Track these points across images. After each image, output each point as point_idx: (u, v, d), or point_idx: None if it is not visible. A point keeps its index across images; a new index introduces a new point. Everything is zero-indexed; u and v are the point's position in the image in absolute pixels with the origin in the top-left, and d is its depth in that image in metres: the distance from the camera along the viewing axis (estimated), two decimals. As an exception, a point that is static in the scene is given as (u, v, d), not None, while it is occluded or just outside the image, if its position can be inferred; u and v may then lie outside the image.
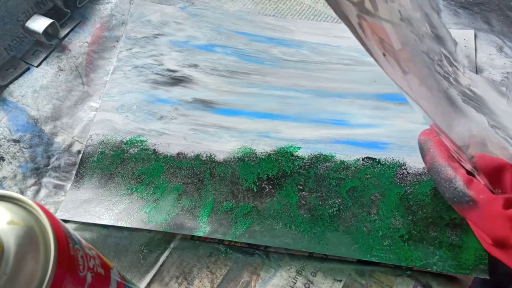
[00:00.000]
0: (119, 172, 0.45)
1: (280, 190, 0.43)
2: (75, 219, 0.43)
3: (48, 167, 0.46)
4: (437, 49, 0.34)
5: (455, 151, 0.29)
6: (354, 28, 0.25)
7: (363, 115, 0.47)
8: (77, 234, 0.28)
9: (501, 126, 0.33)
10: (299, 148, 0.46)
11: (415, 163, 0.44)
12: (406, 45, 0.31)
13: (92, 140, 0.47)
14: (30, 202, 0.25)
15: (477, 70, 0.49)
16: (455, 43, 0.35)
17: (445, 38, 0.35)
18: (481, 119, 0.34)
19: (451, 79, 0.34)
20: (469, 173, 0.31)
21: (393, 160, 0.44)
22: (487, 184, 0.29)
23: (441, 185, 0.31)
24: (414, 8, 0.32)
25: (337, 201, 0.42)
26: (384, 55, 0.27)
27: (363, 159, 0.45)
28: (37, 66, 0.52)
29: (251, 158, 0.45)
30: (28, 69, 0.52)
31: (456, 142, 0.30)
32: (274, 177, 0.44)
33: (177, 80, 0.51)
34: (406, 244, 0.40)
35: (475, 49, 0.50)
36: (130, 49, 0.53)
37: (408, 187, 0.43)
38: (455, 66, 0.35)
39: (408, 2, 0.32)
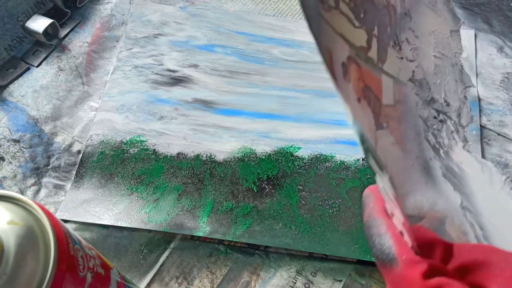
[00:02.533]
0: (119, 172, 0.45)
1: (280, 190, 0.43)
2: (75, 219, 0.43)
3: (48, 167, 0.46)
4: (443, 118, 0.32)
5: (390, 209, 0.28)
6: (330, 63, 0.23)
7: (363, 115, 0.47)
8: (77, 234, 0.28)
9: (474, 210, 0.32)
10: (299, 148, 0.46)
11: (415, 163, 0.44)
12: (400, 103, 0.30)
13: (92, 140, 0.47)
14: (30, 202, 0.25)
15: (477, 70, 0.49)
16: (470, 122, 0.34)
17: (461, 113, 0.34)
18: (454, 198, 0.33)
19: (441, 152, 0.33)
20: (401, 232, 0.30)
21: (393, 160, 0.44)
22: (414, 247, 0.28)
23: (371, 239, 0.30)
24: (437, 73, 0.31)
25: (337, 201, 0.42)
26: (359, 100, 0.26)
27: (363, 159, 0.45)
28: (37, 66, 0.52)
29: (251, 158, 0.45)
30: (28, 69, 0.52)
31: (407, 209, 0.29)
32: (274, 177, 0.44)
33: (177, 80, 0.51)
34: (406, 244, 0.40)
35: (475, 49, 0.50)
36: (130, 49, 0.53)
37: (408, 187, 0.43)
38: (455, 141, 0.34)
39: (432, 65, 0.30)
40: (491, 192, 0.35)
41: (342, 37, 0.24)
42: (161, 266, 0.41)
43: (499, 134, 0.45)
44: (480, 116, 0.46)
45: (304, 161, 0.45)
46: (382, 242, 0.28)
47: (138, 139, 0.47)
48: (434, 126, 0.32)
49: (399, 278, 0.27)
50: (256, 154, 0.46)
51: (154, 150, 0.46)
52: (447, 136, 0.33)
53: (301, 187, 0.43)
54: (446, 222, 0.30)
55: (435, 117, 0.32)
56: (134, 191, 0.44)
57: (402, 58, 0.28)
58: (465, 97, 0.33)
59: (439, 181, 0.33)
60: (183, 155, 0.46)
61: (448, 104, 0.32)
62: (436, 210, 0.30)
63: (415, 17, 0.28)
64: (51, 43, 0.53)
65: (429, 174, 0.33)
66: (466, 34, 0.51)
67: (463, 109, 0.33)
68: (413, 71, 0.29)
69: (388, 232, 0.28)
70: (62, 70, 0.52)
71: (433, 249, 0.28)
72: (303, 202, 0.43)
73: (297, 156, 0.45)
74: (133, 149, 0.47)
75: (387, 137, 0.29)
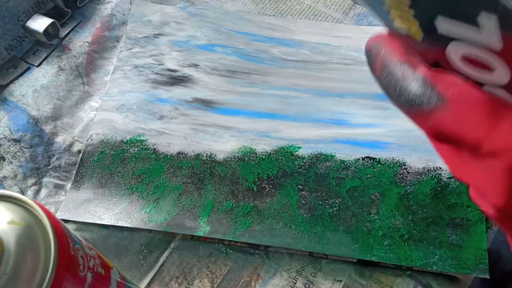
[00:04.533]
0: (119, 172, 0.45)
1: (280, 190, 0.43)
2: (75, 219, 0.43)
3: (49, 167, 0.46)
4: None
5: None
6: None
7: (363, 115, 0.47)
8: (77, 234, 0.28)
9: None
10: (299, 147, 0.46)
11: (415, 163, 0.44)
12: None
13: (92, 139, 0.47)
14: (30, 202, 0.25)
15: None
16: None
17: None
18: None
19: None
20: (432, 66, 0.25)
21: (393, 159, 0.44)
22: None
23: (394, 89, 0.25)
24: None
25: (337, 201, 0.42)
26: None
27: (363, 159, 0.45)
28: (37, 66, 0.52)
29: (251, 157, 0.45)
30: (28, 68, 0.52)
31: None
32: (274, 177, 0.44)
33: (177, 80, 0.51)
34: (406, 243, 0.40)
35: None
36: (131, 49, 0.53)
37: (408, 187, 0.43)
38: None
39: None
40: None
41: None
42: (161, 266, 0.41)
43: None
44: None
45: (304, 160, 0.45)
46: (412, 84, 0.24)
47: (138, 138, 0.47)
48: None
49: (448, 115, 0.23)
50: (256, 154, 0.46)
51: (154, 149, 0.46)
52: None
53: (301, 187, 0.43)
54: None
55: None
56: (134, 190, 0.44)
57: None
58: None
59: None
60: (183, 155, 0.46)
61: None
62: None
63: None
64: (51, 43, 0.53)
65: None
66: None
67: None
68: None
69: (417, 70, 0.24)
70: (62, 70, 0.52)
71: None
72: (303, 201, 0.43)
73: (297, 155, 0.45)
74: (133, 148, 0.47)
75: None
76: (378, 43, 0.27)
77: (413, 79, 0.24)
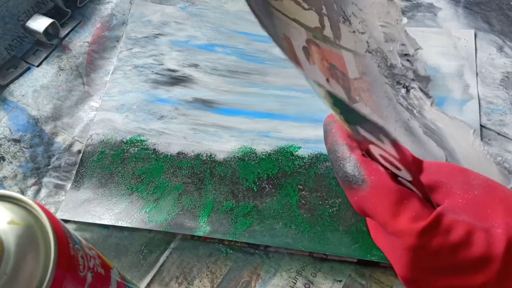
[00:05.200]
0: (119, 172, 0.45)
1: (280, 190, 0.43)
2: (75, 219, 0.43)
3: (49, 167, 0.46)
4: (406, 84, 0.34)
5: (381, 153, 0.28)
6: (292, 50, 0.24)
7: (363, 115, 0.47)
8: (77, 234, 0.28)
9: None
10: (299, 147, 0.46)
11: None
12: (365, 75, 0.31)
13: (92, 139, 0.47)
14: (30, 202, 0.25)
15: (477, 70, 0.49)
16: (428, 80, 0.36)
17: (419, 74, 0.35)
18: (439, 154, 0.34)
19: (414, 112, 0.35)
20: (364, 155, 0.30)
21: (393, 160, 0.44)
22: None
23: (336, 163, 0.31)
24: (388, 41, 0.32)
25: (337, 201, 0.42)
26: (328, 80, 0.27)
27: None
28: (37, 66, 0.52)
29: (251, 157, 0.45)
30: (28, 68, 0.52)
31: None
32: (274, 177, 0.44)
33: (177, 80, 0.51)
34: (406, 244, 0.40)
35: (475, 49, 0.50)
36: (131, 49, 0.53)
37: (408, 187, 0.43)
38: (423, 100, 0.36)
39: (382, 35, 0.32)
40: (466, 147, 0.36)
41: (297, 22, 0.25)
42: (161, 266, 0.41)
43: (499, 134, 0.45)
44: (480, 115, 0.46)
45: (304, 160, 0.45)
46: (347, 164, 0.29)
47: (138, 138, 0.47)
48: (402, 90, 0.33)
49: (367, 196, 0.28)
50: (256, 154, 0.46)
51: (154, 149, 0.47)
52: (415, 97, 0.34)
53: (301, 187, 0.43)
54: None
55: (398, 82, 0.33)
56: (134, 190, 0.44)
57: (354, 31, 0.30)
58: (417, 59, 0.35)
59: (423, 140, 0.34)
60: (183, 155, 0.46)
61: (406, 68, 0.34)
62: None
63: None
64: (51, 43, 0.53)
65: (412, 133, 0.34)
66: (466, 33, 0.51)
67: (419, 70, 0.35)
68: (367, 42, 0.31)
69: (353, 155, 0.29)
70: (62, 70, 0.52)
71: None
72: (303, 201, 0.43)
73: (297, 155, 0.45)
74: (133, 148, 0.47)
75: (363, 109, 0.30)
76: (331, 122, 0.34)
77: (349, 160, 0.29)
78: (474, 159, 0.36)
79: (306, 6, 0.26)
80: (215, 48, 0.53)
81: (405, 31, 0.33)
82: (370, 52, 0.31)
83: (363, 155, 0.30)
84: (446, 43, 0.50)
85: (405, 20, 0.32)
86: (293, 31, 0.24)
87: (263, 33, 0.57)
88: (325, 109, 0.48)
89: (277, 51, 0.52)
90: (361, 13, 0.30)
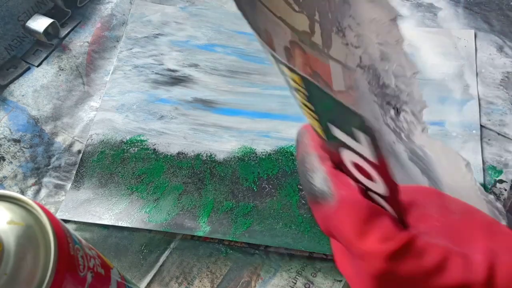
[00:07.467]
0: (119, 172, 0.45)
1: (280, 190, 0.43)
2: (75, 219, 0.43)
3: (49, 167, 0.46)
4: (398, 105, 0.32)
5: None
6: (271, 46, 0.22)
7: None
8: (77, 234, 0.28)
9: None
10: (299, 148, 0.46)
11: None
12: (352, 90, 0.29)
13: (92, 139, 0.47)
14: (30, 202, 0.25)
15: (477, 70, 0.49)
16: (423, 106, 0.34)
17: (413, 97, 0.33)
18: (423, 182, 0.32)
19: (402, 135, 0.33)
20: (336, 168, 0.28)
21: (393, 160, 0.44)
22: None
23: (304, 176, 0.28)
24: (384, 60, 0.31)
25: (337, 201, 0.42)
26: None
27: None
28: (37, 66, 0.52)
29: (251, 157, 0.45)
30: (28, 68, 0.52)
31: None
32: (274, 177, 0.44)
33: (177, 80, 0.51)
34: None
35: (475, 49, 0.50)
36: (131, 49, 0.53)
37: (408, 187, 0.43)
38: (414, 125, 0.33)
39: (378, 52, 0.30)
40: (457, 179, 0.34)
41: (282, 21, 0.24)
42: (161, 266, 0.41)
43: (499, 134, 0.45)
44: (480, 115, 0.46)
45: (304, 160, 0.45)
46: (315, 177, 0.27)
47: (138, 138, 0.47)
48: (392, 112, 0.32)
49: (334, 212, 0.26)
50: (256, 154, 0.46)
51: (154, 149, 0.47)
52: (405, 120, 0.32)
53: (301, 187, 0.43)
54: None
55: (388, 103, 0.32)
56: (134, 190, 0.44)
57: (347, 44, 0.28)
58: (413, 83, 0.33)
59: (407, 165, 0.33)
60: (183, 155, 0.46)
61: (399, 89, 0.32)
62: None
63: (353, 5, 0.28)
64: (51, 43, 0.53)
65: (396, 157, 0.33)
66: (466, 34, 0.51)
67: (414, 93, 0.33)
68: (360, 57, 0.29)
69: (323, 166, 0.27)
70: (62, 70, 0.52)
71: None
72: (303, 201, 0.43)
73: (297, 155, 0.45)
74: (133, 148, 0.47)
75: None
76: (304, 132, 0.31)
77: (318, 171, 0.27)
78: (463, 193, 0.33)
79: (296, 8, 0.25)
80: (215, 48, 0.53)
81: (405, 53, 0.32)
82: (362, 68, 0.30)
83: (334, 168, 0.27)
84: (446, 43, 0.50)
85: (406, 41, 0.30)
86: (276, 29, 0.23)
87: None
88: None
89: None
90: (358, 28, 0.29)
